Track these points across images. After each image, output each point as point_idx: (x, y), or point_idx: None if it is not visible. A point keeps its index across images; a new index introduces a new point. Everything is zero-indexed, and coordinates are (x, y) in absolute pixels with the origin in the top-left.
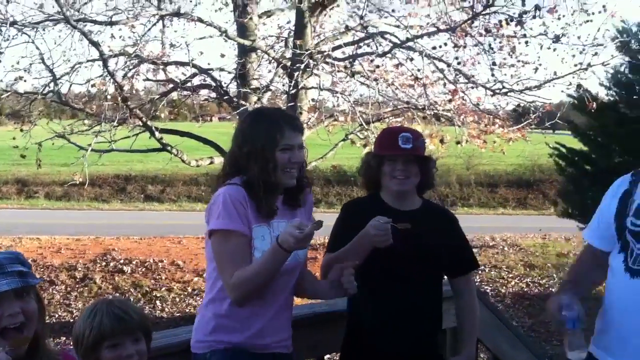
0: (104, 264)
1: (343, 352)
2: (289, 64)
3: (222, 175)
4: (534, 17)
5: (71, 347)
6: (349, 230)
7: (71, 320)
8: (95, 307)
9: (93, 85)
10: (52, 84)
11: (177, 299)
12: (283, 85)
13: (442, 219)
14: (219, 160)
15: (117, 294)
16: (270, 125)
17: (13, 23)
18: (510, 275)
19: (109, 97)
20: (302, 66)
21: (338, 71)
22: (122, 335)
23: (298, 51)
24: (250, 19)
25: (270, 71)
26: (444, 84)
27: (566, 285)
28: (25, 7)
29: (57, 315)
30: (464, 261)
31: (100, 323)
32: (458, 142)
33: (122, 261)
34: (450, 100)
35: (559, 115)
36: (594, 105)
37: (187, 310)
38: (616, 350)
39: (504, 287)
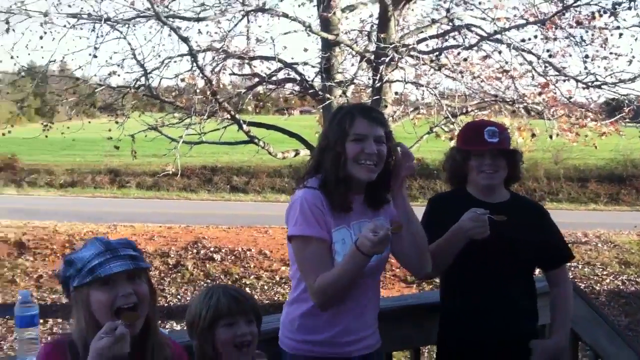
0: (194, 251)
1: (439, 344)
2: (372, 57)
3: (303, 174)
4: (629, 8)
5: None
6: (435, 225)
7: (165, 305)
8: (211, 290)
9: (182, 80)
10: (143, 78)
11: (266, 287)
12: (368, 78)
13: (532, 211)
14: (304, 152)
15: (209, 281)
16: (343, 117)
17: (107, 20)
18: (605, 273)
19: (198, 90)
20: (387, 59)
21: (423, 64)
22: (237, 315)
23: (382, 45)
24: (334, 13)
25: (353, 65)
26: (533, 77)
27: None
28: (117, 3)
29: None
30: (558, 253)
31: (218, 302)
32: (550, 136)
33: (212, 249)
34: (540, 93)
35: None
36: None
37: (276, 298)
38: None
39: (599, 285)
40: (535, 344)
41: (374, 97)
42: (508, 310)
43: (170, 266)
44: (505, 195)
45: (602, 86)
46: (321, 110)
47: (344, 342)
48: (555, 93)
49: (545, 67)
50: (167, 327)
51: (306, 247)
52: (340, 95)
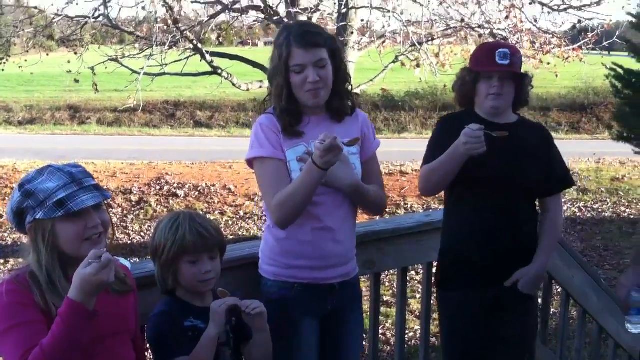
0: (158, 187)
1: (440, 264)
2: None
3: (263, 101)
4: None
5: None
6: (444, 143)
7: (128, 242)
8: (177, 219)
9: (143, 8)
10: (102, 7)
11: (230, 222)
12: (334, 4)
13: (537, 135)
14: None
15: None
16: (280, 47)
17: None
18: (563, 200)
19: (159, 19)
20: None
21: None
22: (202, 251)
23: None
24: None
25: None
26: (499, 1)
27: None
28: None
29: (115, 238)
30: (560, 179)
31: (183, 238)
32: None
33: (175, 185)
34: (506, 18)
35: (617, 34)
36: None
37: (240, 233)
38: None
39: None
40: (519, 273)
41: (340, 24)
42: (505, 229)
43: (133, 203)
44: (512, 118)
45: (568, 10)
46: None
47: (324, 266)
48: (520, 18)
49: None
50: (149, 252)
51: (262, 168)
52: None
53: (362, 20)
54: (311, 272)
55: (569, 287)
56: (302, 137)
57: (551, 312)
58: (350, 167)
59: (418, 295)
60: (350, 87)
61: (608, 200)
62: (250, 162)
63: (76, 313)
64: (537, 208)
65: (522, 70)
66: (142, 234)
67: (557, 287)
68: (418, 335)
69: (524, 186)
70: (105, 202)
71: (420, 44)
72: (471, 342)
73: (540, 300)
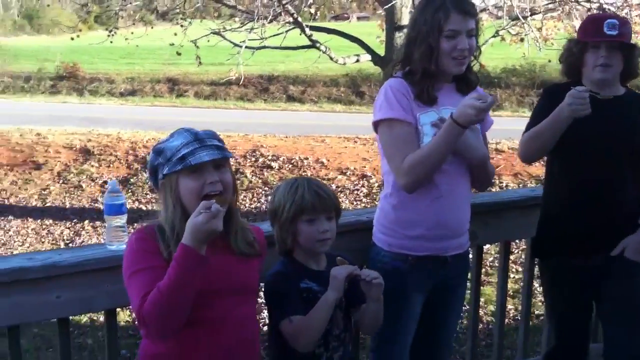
0: (253, 159)
1: (539, 233)
2: None
3: (392, 66)
4: None
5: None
6: (548, 111)
7: None
8: (296, 182)
9: None
10: None
11: None
12: None
13: None
14: (365, 58)
15: (266, 189)
16: (436, 9)
17: None
18: None
19: None
20: None
21: None
22: (320, 211)
23: None
24: None
25: None
26: None
27: None
28: None
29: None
30: None
31: (302, 198)
32: None
33: (270, 157)
34: None
35: None
36: None
37: None
38: None
39: None
40: (626, 241)
41: None
42: (608, 198)
43: None
44: (620, 91)
45: None
46: (383, 15)
47: (439, 235)
48: None
49: None
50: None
51: (391, 130)
52: None
53: None
54: (426, 242)
55: None
56: (435, 104)
57: None
58: (480, 139)
59: (512, 275)
60: (476, 63)
61: None
62: (376, 125)
63: (189, 257)
64: None
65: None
66: (238, 204)
67: None
68: (511, 315)
69: (627, 154)
70: (233, 163)
71: (524, 17)
72: (575, 309)
73: None
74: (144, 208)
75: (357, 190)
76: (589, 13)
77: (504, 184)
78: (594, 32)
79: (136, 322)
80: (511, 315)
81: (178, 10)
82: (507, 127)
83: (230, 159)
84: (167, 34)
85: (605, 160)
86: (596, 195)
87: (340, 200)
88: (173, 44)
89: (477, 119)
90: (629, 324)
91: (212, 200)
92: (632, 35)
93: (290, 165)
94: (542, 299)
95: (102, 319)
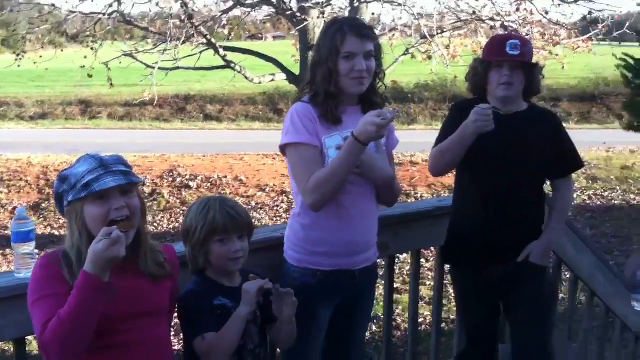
0: (170, 179)
1: (449, 243)
2: None
3: (300, 89)
4: None
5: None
6: (456, 126)
7: None
8: (208, 203)
9: (157, 4)
10: (115, 4)
11: None
12: None
13: (547, 121)
14: (280, 77)
15: (185, 209)
16: (334, 33)
17: None
18: (573, 188)
19: (173, 15)
20: None
21: None
22: (231, 232)
23: None
24: None
25: None
26: None
27: None
28: None
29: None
30: (569, 162)
31: (214, 219)
32: None
33: (188, 177)
34: (517, 10)
35: (627, 25)
36: None
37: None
38: None
39: None
40: (530, 247)
41: None
42: (520, 214)
43: (146, 195)
44: (523, 106)
45: (578, 2)
46: (297, 35)
47: (347, 252)
48: (531, 9)
49: None
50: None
51: (298, 153)
52: (318, 17)
53: (373, 14)
54: (334, 259)
55: (578, 270)
56: (340, 125)
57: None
58: (386, 160)
59: (427, 282)
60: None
61: (618, 188)
62: (283, 149)
63: (90, 284)
64: (548, 191)
65: (533, 61)
66: (155, 224)
67: (566, 272)
68: (428, 321)
69: (531, 167)
70: (139, 186)
71: (432, 36)
72: (484, 313)
73: None
74: (56, 233)
75: (277, 206)
76: (493, 31)
77: (419, 195)
78: (498, 52)
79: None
80: (427, 321)
81: (89, 33)
82: (421, 140)
83: (143, 181)
84: (77, 56)
85: (509, 173)
86: (502, 207)
87: (260, 216)
88: (84, 66)
89: (377, 136)
90: (535, 323)
91: (114, 226)
92: (534, 51)
93: (208, 184)
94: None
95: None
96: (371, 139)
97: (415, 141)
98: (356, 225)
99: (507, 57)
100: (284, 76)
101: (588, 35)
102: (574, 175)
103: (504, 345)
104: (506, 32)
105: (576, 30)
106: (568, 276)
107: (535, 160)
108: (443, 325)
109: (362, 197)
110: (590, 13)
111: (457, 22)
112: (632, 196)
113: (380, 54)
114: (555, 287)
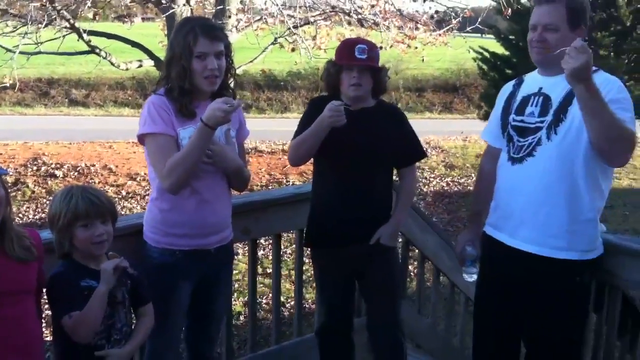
0: (35, 168)
1: (309, 227)
2: None
3: (156, 83)
4: None
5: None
6: (312, 120)
7: None
8: (70, 191)
9: None
10: None
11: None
12: None
13: (392, 115)
14: (148, 63)
15: (51, 198)
16: (187, 33)
17: None
18: (432, 176)
19: None
20: None
21: None
22: (93, 217)
23: None
24: None
25: None
26: None
27: (473, 219)
28: None
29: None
30: (412, 151)
31: (76, 205)
32: (381, 47)
33: (53, 165)
34: (373, 6)
35: (479, 20)
36: (509, 12)
37: (123, 213)
38: (502, 225)
39: (426, 187)
40: (380, 230)
41: (218, 7)
42: (370, 200)
43: (9, 184)
44: (371, 103)
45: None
46: (164, 19)
47: (203, 233)
48: (387, 5)
49: None
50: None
51: (156, 142)
52: (184, 4)
53: (241, 2)
54: (191, 239)
55: (424, 249)
56: (194, 118)
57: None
58: (236, 151)
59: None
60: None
61: (473, 175)
62: (141, 139)
63: None
64: (395, 179)
65: (391, 58)
66: (20, 215)
67: (415, 250)
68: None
69: (379, 156)
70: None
71: (296, 27)
72: (341, 291)
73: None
74: None
75: (148, 195)
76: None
77: (291, 182)
78: (347, 56)
79: None
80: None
81: None
82: (294, 129)
83: (7, 173)
84: None
85: (360, 160)
86: (352, 192)
87: (131, 205)
88: None
89: (224, 120)
90: (387, 298)
91: None
92: (394, 44)
93: (76, 173)
94: None
95: None
96: (218, 123)
97: (289, 129)
98: (210, 207)
99: (356, 60)
100: (151, 62)
101: (442, 30)
102: (433, 163)
103: (359, 319)
104: (356, 37)
105: (432, 25)
106: (417, 252)
107: (382, 150)
108: (304, 303)
109: (214, 183)
110: (436, 12)
111: (321, 13)
112: None
113: (230, 52)
114: (405, 264)
